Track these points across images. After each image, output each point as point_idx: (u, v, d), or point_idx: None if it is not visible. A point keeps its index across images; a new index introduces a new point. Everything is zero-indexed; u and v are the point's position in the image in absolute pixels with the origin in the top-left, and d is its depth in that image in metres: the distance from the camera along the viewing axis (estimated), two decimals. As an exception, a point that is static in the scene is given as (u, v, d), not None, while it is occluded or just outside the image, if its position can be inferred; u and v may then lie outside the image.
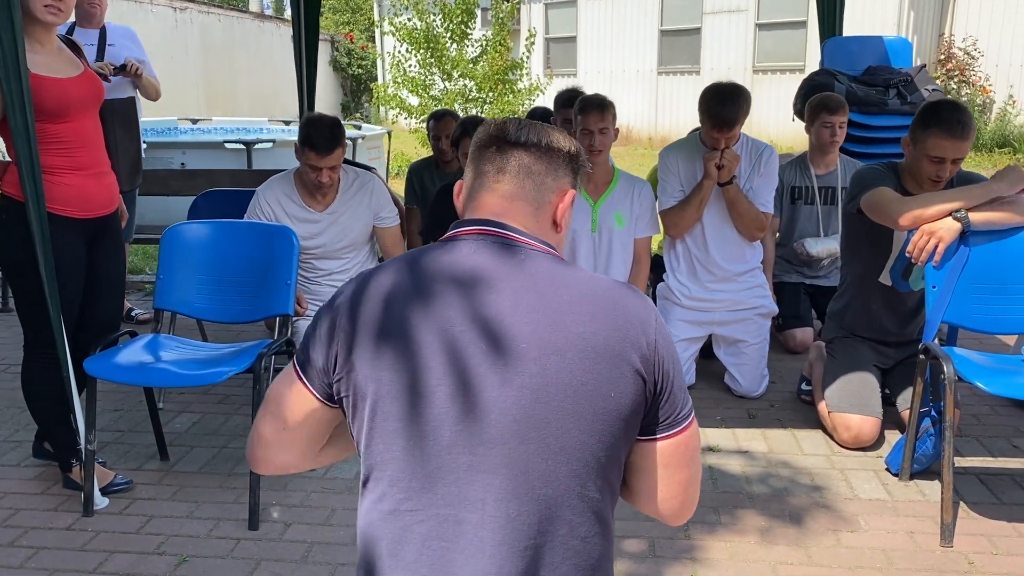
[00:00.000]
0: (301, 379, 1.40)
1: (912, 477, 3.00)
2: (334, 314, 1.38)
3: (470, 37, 11.05)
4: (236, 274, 3.05)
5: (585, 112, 3.59)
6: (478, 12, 11.22)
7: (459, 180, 1.53)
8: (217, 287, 3.05)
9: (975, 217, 2.84)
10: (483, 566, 1.26)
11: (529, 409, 1.26)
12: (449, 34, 10.97)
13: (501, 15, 11.00)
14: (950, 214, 2.85)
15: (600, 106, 3.59)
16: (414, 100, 11.12)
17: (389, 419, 1.31)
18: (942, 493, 2.63)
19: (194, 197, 4.23)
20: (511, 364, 1.27)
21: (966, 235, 2.88)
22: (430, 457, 1.29)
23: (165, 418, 3.48)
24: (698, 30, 14.73)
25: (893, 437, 3.29)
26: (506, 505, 1.27)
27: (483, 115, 10.97)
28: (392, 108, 10.86)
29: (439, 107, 11.04)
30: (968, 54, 12.55)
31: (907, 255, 2.94)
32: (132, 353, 2.87)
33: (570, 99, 4.62)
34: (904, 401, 3.32)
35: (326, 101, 18.06)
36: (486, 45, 11.09)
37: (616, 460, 1.33)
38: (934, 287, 2.89)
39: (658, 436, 1.35)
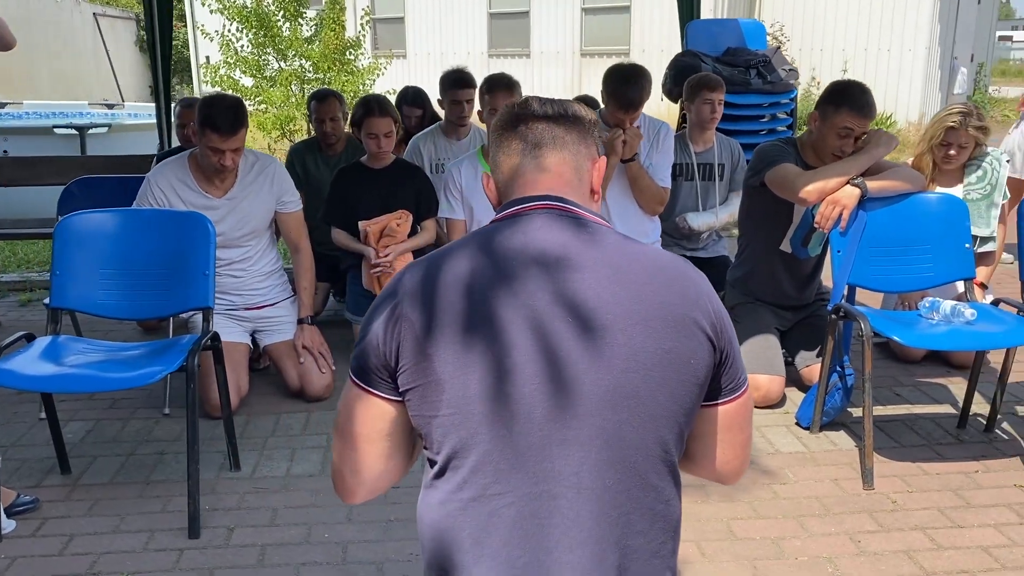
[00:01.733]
0: (367, 390, 1.34)
1: (821, 429, 3.23)
2: (394, 307, 1.31)
3: (304, 16, 10.67)
4: (146, 267, 2.81)
5: (493, 91, 3.59)
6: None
7: (485, 173, 1.51)
8: (125, 282, 2.80)
9: (871, 185, 3.10)
10: (581, 538, 1.26)
11: (620, 379, 1.26)
12: (282, 12, 10.54)
13: (334, -7, 10.69)
14: (848, 183, 3.08)
15: (508, 85, 3.60)
16: (248, 81, 10.61)
17: (473, 403, 1.26)
18: (865, 440, 2.86)
19: (33, 187, 3.86)
20: (599, 337, 1.26)
21: (863, 202, 3.12)
22: (520, 436, 1.26)
23: (55, 428, 3.17)
24: (527, 13, 14.97)
25: (792, 394, 3.53)
26: (601, 475, 1.27)
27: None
28: (225, 89, 10.30)
29: (275, 88, 10.62)
30: (776, 39, 13.51)
31: (814, 224, 3.15)
32: (35, 357, 2.59)
33: (458, 80, 4.58)
34: (803, 360, 3.57)
35: (133, 85, 16.85)
36: (320, 23, 10.75)
37: (689, 425, 1.36)
38: (839, 251, 3.12)
39: (720, 401, 1.38)
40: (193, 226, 2.84)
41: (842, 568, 2.40)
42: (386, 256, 3.66)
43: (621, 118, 3.56)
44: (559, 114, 1.42)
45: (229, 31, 10.39)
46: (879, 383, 3.69)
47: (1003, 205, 3.83)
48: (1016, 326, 2.88)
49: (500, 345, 1.26)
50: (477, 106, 3.98)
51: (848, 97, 3.09)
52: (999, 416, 3.23)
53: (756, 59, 5.06)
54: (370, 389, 1.33)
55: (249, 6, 10.34)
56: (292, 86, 10.58)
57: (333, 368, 3.60)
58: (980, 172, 3.79)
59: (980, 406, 3.34)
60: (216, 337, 2.77)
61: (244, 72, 10.48)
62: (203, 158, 3.23)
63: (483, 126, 3.98)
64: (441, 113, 4.60)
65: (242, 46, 10.49)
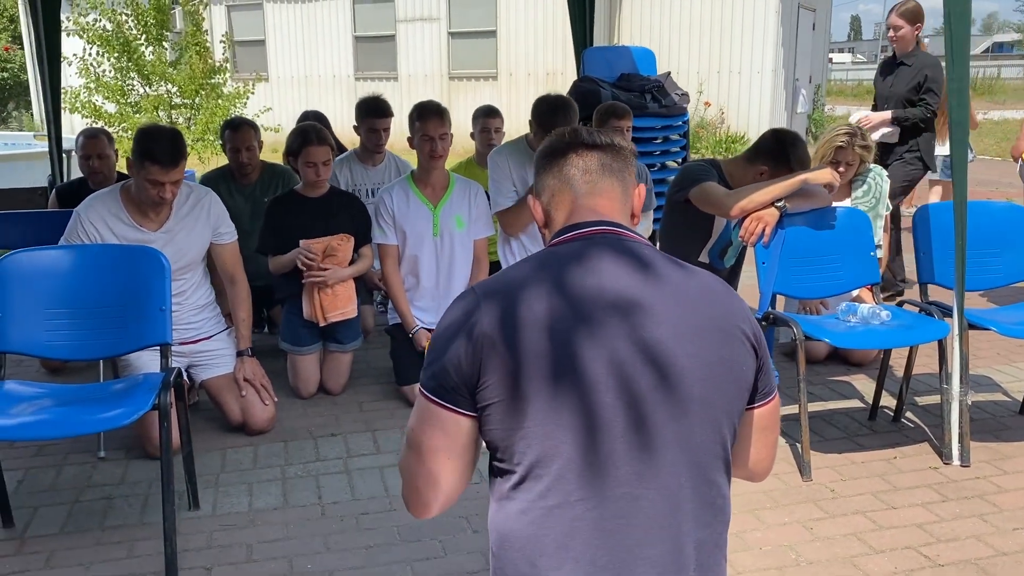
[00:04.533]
0: (447, 407, 1.40)
1: (752, 429, 3.47)
2: (472, 329, 1.38)
3: (167, 40, 10.32)
4: (98, 305, 2.71)
5: (425, 119, 3.66)
6: (176, 13, 10.49)
7: (528, 195, 1.61)
8: (75, 321, 2.68)
9: (788, 203, 3.38)
10: (660, 535, 1.37)
11: (691, 388, 1.38)
12: (144, 37, 10.16)
13: (194, 13, 10.35)
14: (771, 203, 3.36)
15: (439, 113, 3.68)
16: (111, 107, 10.14)
17: (560, 414, 1.35)
18: (801, 436, 3.11)
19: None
20: (671, 350, 1.38)
21: (781, 220, 3.40)
22: (603, 444, 1.35)
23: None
24: (392, 37, 15.02)
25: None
26: (677, 476, 1.38)
27: (193, 122, 10.33)
28: (86, 116, 9.79)
29: (139, 114, 10.22)
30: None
31: (739, 239, 3.40)
32: (-13, 406, 2.45)
33: (374, 108, 4.64)
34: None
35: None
36: (183, 48, 10.42)
37: (737, 427, 1.50)
38: (764, 263, 3.38)
39: (756, 404, 1.53)
40: (146, 261, 2.77)
41: (803, 553, 2.62)
42: (327, 269, 3.67)
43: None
44: (608, 144, 1.55)
45: (89, 55, 9.91)
46: (790, 383, 3.98)
47: (885, 216, 4.25)
48: (925, 324, 3.22)
49: (582, 361, 1.35)
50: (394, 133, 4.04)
51: (795, 153, 3.43)
52: (904, 406, 3.57)
53: (650, 84, 5.35)
54: (450, 406, 1.40)
55: (109, 29, 9.90)
56: (159, 112, 10.19)
57: (275, 400, 3.55)
58: (865, 187, 4.18)
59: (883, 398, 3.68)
60: (180, 374, 2.70)
61: (107, 98, 10.01)
62: (140, 191, 3.13)
63: (408, 152, 4.04)
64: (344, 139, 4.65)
65: (104, 71, 10.03)
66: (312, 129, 3.76)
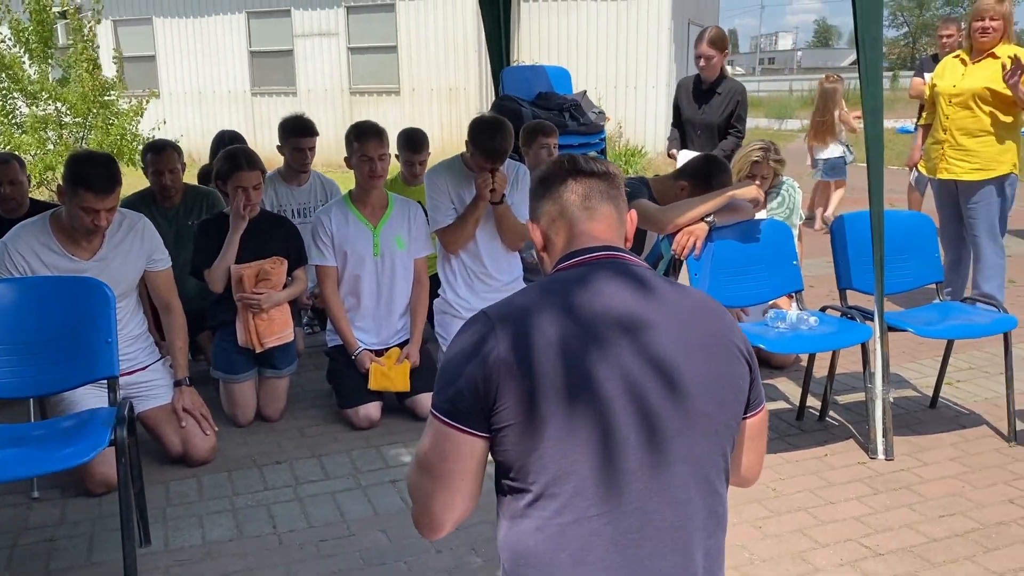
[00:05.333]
0: (463, 429, 1.44)
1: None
2: (487, 353, 1.41)
3: (53, 57, 9.88)
4: (40, 340, 2.61)
5: (364, 139, 3.67)
6: (58, 28, 10.05)
7: (528, 222, 1.67)
8: (16, 358, 2.57)
9: (717, 218, 3.55)
10: (673, 546, 1.45)
11: (696, 403, 1.46)
12: (28, 54, 9.70)
13: (80, 29, 9.93)
14: (702, 218, 3.51)
15: (378, 134, 3.70)
16: (-7, 127, 9.63)
17: (577, 434, 1.40)
18: (742, 439, 3.25)
19: None
20: (679, 366, 1.45)
21: (711, 233, 3.56)
22: (619, 462, 1.41)
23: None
24: (291, 52, 14.79)
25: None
26: (687, 488, 1.46)
27: (87, 143, 9.91)
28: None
29: (24, 135, 9.76)
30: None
31: (672, 251, 3.54)
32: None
33: (300, 127, 4.61)
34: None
35: None
36: (69, 64, 9.98)
37: (735, 437, 1.59)
38: (696, 275, 3.53)
39: (748, 414, 1.62)
40: (90, 292, 2.68)
41: (755, 551, 2.75)
42: (261, 293, 3.62)
43: (488, 166, 3.78)
44: (604, 172, 1.62)
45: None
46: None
47: (799, 225, 4.49)
48: (849, 328, 3.43)
49: (595, 383, 1.41)
50: (325, 152, 4.02)
51: (720, 182, 3.59)
52: (828, 406, 3.79)
53: (567, 103, 5.48)
54: (465, 428, 1.44)
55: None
56: (48, 131, 9.74)
57: (216, 430, 3.47)
58: (780, 199, 4.41)
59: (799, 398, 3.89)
60: (131, 408, 2.63)
61: (-12, 119, 9.52)
62: (73, 219, 3.03)
63: (343, 172, 4.03)
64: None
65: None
66: (242, 153, 3.70)
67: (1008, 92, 4.46)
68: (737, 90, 5.12)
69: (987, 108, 4.61)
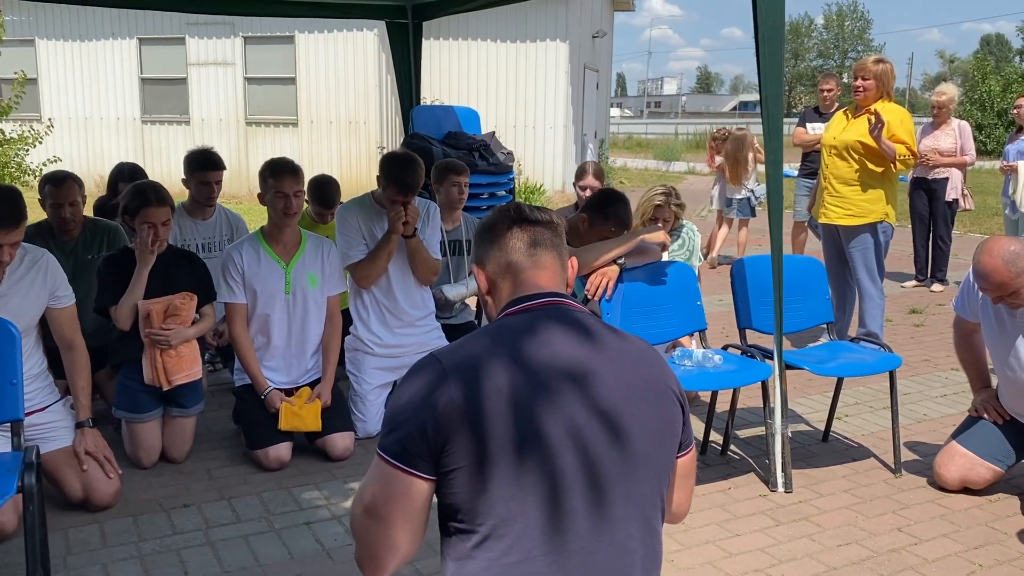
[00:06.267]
0: (410, 472, 1.47)
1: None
2: (437, 398, 1.46)
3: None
4: (-64, 380, 2.47)
5: (279, 176, 3.66)
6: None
7: (473, 266, 1.72)
8: (-91, 401, 2.43)
9: (628, 261, 3.69)
10: None
11: (638, 447, 1.54)
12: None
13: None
14: (613, 261, 3.65)
15: (294, 171, 3.69)
16: None
17: (526, 476, 1.45)
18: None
19: None
20: (621, 412, 1.53)
21: (622, 274, 3.70)
22: (564, 503, 1.48)
23: None
24: (184, 80, 14.44)
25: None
26: (627, 528, 1.54)
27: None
28: None
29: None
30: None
31: (585, 292, 3.66)
32: None
33: (207, 161, 4.54)
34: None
35: None
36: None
37: (670, 478, 1.67)
38: (608, 314, 3.64)
39: (679, 454, 1.71)
40: (-7, 331, 2.56)
41: (669, 584, 2.84)
42: (169, 329, 3.53)
43: (401, 200, 3.82)
44: (548, 220, 1.70)
45: None
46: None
47: (698, 267, 4.69)
48: (750, 366, 3.60)
49: (543, 431, 1.46)
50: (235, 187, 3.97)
51: (613, 209, 3.72)
52: (730, 440, 3.95)
53: (476, 143, 5.59)
54: (413, 471, 1.47)
55: None
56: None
57: (120, 472, 3.34)
58: (680, 241, 4.61)
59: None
60: (37, 452, 2.51)
61: None
62: (-27, 254, 2.90)
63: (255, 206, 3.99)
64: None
65: None
66: (150, 189, 3.61)
67: (875, 145, 4.83)
68: None
69: (858, 158, 4.97)
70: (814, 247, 7.37)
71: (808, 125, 7.64)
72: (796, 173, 8.12)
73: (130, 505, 3.34)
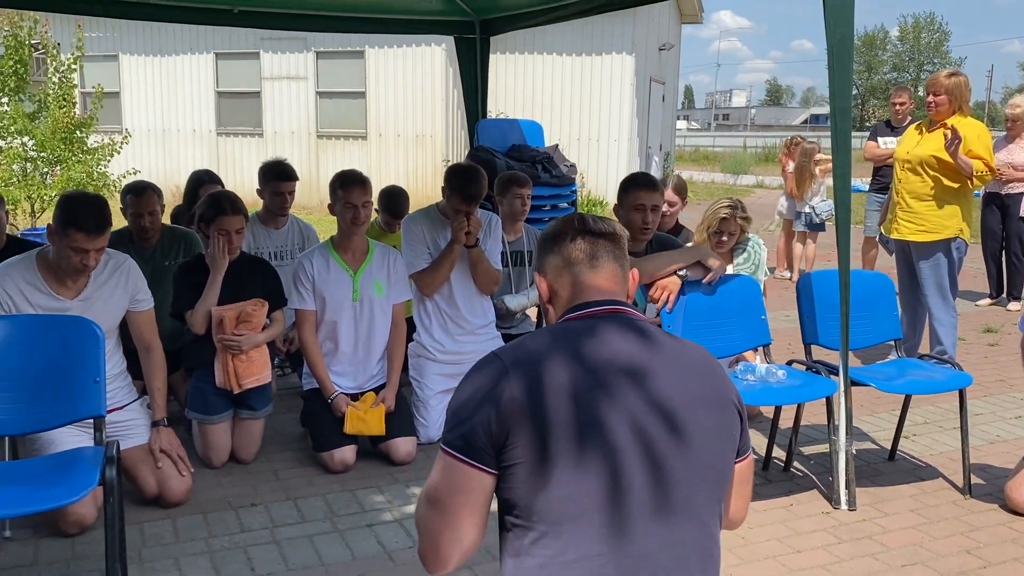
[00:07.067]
0: (474, 465, 1.51)
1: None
2: (501, 394, 1.49)
3: (27, 91, 9.82)
4: (27, 377, 2.62)
5: (348, 187, 3.76)
6: (33, 62, 10.00)
7: (535, 274, 1.77)
8: (1, 395, 2.58)
9: (689, 273, 3.69)
10: None
11: (699, 452, 1.56)
12: (2, 89, 9.64)
13: (61, 68, 9.95)
14: (674, 272, 3.65)
15: (362, 182, 3.79)
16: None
17: (587, 474, 1.48)
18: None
19: None
20: (681, 417, 1.55)
21: (683, 287, 3.70)
22: (624, 504, 1.50)
23: None
24: (258, 94, 14.87)
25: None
26: (684, 533, 1.55)
27: (51, 176, 9.83)
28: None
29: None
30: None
31: (647, 302, 3.67)
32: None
33: (280, 171, 4.68)
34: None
35: None
36: (44, 99, 9.93)
37: (729, 484, 1.68)
38: (670, 327, 3.64)
39: (737, 459, 1.72)
40: (80, 331, 2.70)
41: (728, 598, 2.83)
42: (241, 335, 3.66)
43: (464, 210, 3.89)
44: (611, 232, 1.73)
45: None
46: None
47: (764, 281, 4.65)
48: (814, 382, 3.56)
49: (605, 428, 1.49)
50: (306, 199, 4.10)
51: (633, 180, 3.71)
52: (793, 457, 3.90)
53: (540, 155, 5.64)
54: (477, 464, 1.51)
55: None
56: (14, 166, 9.64)
57: (191, 471, 3.47)
58: (745, 254, 4.57)
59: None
60: (118, 447, 2.64)
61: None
62: (62, 259, 3.05)
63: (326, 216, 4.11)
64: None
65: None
66: (225, 199, 3.75)
67: (951, 160, 4.72)
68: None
69: (933, 174, 4.86)
70: (885, 263, 7.23)
71: (880, 139, 7.50)
72: (866, 188, 7.96)
73: (201, 503, 3.46)
